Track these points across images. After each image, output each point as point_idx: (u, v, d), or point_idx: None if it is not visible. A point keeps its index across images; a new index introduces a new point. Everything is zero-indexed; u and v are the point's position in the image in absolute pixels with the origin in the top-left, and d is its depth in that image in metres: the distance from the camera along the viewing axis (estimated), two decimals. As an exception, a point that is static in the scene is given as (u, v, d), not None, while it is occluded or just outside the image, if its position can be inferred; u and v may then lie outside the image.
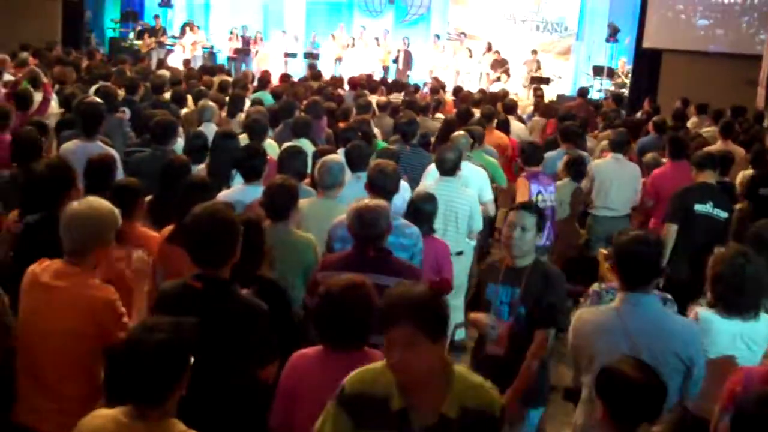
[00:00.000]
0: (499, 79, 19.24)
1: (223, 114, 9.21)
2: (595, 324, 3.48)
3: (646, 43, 17.84)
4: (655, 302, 3.51)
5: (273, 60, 20.51)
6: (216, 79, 12.79)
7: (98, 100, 7.39)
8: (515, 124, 10.67)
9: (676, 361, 3.37)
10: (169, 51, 20.43)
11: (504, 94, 13.74)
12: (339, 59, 20.73)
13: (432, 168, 6.50)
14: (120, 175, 5.71)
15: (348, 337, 3.15)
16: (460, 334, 6.82)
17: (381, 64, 20.45)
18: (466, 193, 6.10)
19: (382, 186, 4.86)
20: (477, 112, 10.12)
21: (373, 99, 11.61)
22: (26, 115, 7.92)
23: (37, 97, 8.92)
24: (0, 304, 3.47)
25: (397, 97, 12.52)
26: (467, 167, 6.81)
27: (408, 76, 19.89)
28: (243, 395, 3.32)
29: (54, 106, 8.81)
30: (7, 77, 10.84)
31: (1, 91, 9.28)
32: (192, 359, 2.69)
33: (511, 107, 11.35)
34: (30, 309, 3.45)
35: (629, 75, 18.75)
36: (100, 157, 5.24)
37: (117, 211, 3.55)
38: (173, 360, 2.63)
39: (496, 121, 9.67)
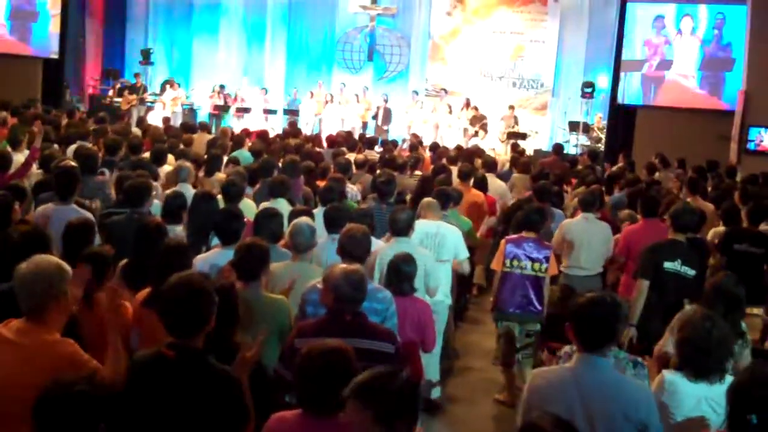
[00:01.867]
0: (476, 134, 19.49)
1: (201, 173, 9.27)
2: (549, 384, 3.50)
3: (621, 99, 18.18)
4: (608, 365, 3.51)
5: (252, 117, 20.68)
6: (196, 137, 12.89)
7: (74, 163, 7.41)
8: (495, 182, 10.77)
9: (628, 425, 3.36)
10: (150, 108, 20.55)
11: (478, 151, 13.90)
12: (318, 115, 20.92)
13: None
14: (96, 238, 5.76)
15: (328, 402, 3.16)
16: (436, 393, 6.85)
17: (360, 120, 20.65)
18: (421, 252, 6.13)
19: (351, 251, 4.91)
20: (454, 170, 10.24)
21: (352, 156, 11.71)
22: (4, 178, 7.92)
23: (17, 157, 8.94)
24: None
25: (374, 154, 12.64)
26: (442, 227, 6.88)
27: (387, 131, 20.12)
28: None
29: (33, 167, 8.82)
30: (-14, 136, 10.86)
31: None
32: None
33: (492, 164, 11.46)
34: None
35: (605, 130, 19.04)
36: (79, 221, 5.26)
37: (63, 264, 3.61)
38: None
39: (473, 179, 9.75)
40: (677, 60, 17.60)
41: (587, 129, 19.40)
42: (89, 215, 6.05)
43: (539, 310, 6.79)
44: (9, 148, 9.41)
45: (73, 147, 9.75)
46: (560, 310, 7.25)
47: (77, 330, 3.83)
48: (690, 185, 9.60)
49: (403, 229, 6.15)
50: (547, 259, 6.83)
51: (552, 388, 3.46)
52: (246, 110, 20.92)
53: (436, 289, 6.28)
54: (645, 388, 3.63)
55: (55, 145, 10.15)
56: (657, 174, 12.24)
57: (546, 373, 3.59)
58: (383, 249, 5.94)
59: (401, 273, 5.26)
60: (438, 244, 6.72)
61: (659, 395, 3.84)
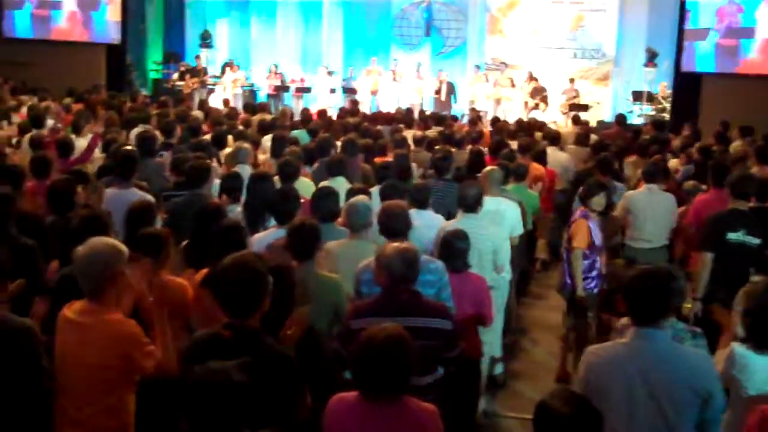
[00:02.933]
0: (537, 106, 19.23)
1: (261, 155, 9.32)
2: (605, 360, 3.44)
3: (685, 67, 17.73)
4: (665, 337, 3.43)
5: (312, 96, 20.75)
6: (255, 118, 12.98)
7: (132, 146, 7.52)
8: (558, 155, 10.62)
9: (690, 394, 3.30)
10: (211, 91, 20.78)
11: (538, 124, 13.71)
12: (374, 93, 20.88)
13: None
14: (157, 220, 5.84)
15: (386, 387, 3.22)
16: (498, 369, 6.81)
17: (419, 97, 20.54)
18: (489, 229, 6.08)
19: (391, 229, 4.90)
20: (514, 144, 10.12)
21: (410, 133, 11.66)
22: (67, 162, 8.10)
23: (80, 143, 9.13)
24: (38, 347, 3.62)
25: (433, 131, 12.56)
26: (502, 203, 6.79)
27: (451, 107, 19.98)
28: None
29: (97, 151, 9.00)
30: (51, 123, 11.11)
31: (47, 138, 9.49)
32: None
33: (554, 137, 11.28)
34: (61, 347, 3.65)
35: (669, 99, 18.60)
36: (141, 204, 5.33)
37: (118, 245, 3.70)
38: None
39: (532, 152, 9.62)
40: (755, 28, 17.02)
41: (651, 98, 18.97)
42: (149, 197, 6.15)
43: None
44: (72, 135, 9.64)
45: (135, 131, 9.90)
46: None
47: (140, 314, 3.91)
48: (759, 154, 9.30)
49: (471, 205, 6.09)
50: None
51: (608, 364, 3.40)
52: (305, 90, 20.99)
53: (504, 266, 6.23)
54: (706, 356, 3.55)
55: (116, 130, 10.31)
56: (736, 142, 11.87)
57: (600, 350, 3.53)
58: (451, 225, 5.89)
59: (454, 249, 5.21)
60: (496, 222, 6.62)
61: (729, 369, 3.75)
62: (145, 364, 3.55)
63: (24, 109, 12.89)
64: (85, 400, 3.58)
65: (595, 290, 6.70)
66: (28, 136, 9.61)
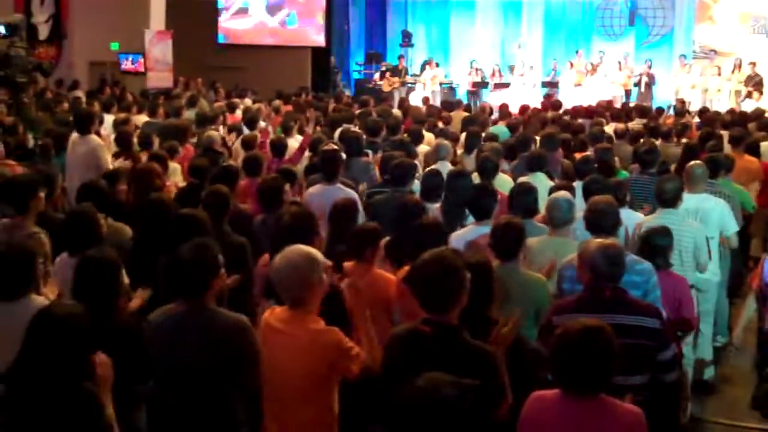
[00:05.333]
0: (750, 95, 18.10)
1: (460, 152, 9.39)
2: None
3: None
4: None
5: (513, 92, 20.61)
6: (454, 115, 13.07)
7: (337, 146, 7.79)
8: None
9: None
10: (411, 89, 21.14)
11: (753, 114, 12.90)
12: (578, 86, 20.44)
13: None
14: (361, 216, 6.03)
15: (586, 382, 3.14)
16: (709, 373, 6.49)
17: (623, 89, 19.92)
18: (690, 224, 5.81)
19: (599, 225, 4.78)
20: (726, 135, 9.60)
21: (611, 126, 11.34)
22: (281, 162, 8.51)
23: (290, 143, 9.57)
24: (252, 344, 3.74)
25: (637, 123, 12.14)
26: (705, 200, 6.46)
27: (653, 98, 19.24)
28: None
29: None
30: (262, 124, 11.73)
31: (259, 138, 10.03)
32: None
33: (768, 127, 10.59)
34: (268, 353, 3.71)
35: None
36: (344, 202, 5.50)
37: (313, 254, 3.68)
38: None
39: (745, 144, 9.09)
40: None
41: None
42: (353, 194, 6.36)
43: None
44: (282, 135, 10.13)
45: (339, 130, 10.25)
46: None
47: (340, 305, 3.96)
48: None
49: (670, 200, 5.88)
50: None
51: None
52: (504, 85, 20.89)
53: (707, 265, 5.94)
54: None
55: (323, 130, 10.71)
56: None
57: None
58: (649, 221, 5.70)
59: (655, 246, 5.02)
60: (699, 220, 6.30)
61: None
62: (352, 368, 3.58)
63: (238, 112, 13.68)
64: (293, 403, 3.65)
65: None
66: (240, 137, 10.21)
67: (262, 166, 7.43)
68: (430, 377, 2.64)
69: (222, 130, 11.48)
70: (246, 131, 10.81)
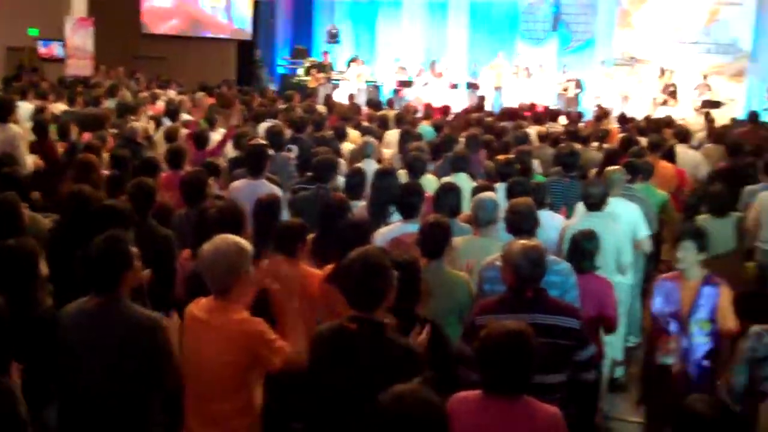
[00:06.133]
0: (665, 103, 18.65)
1: (384, 150, 9.41)
2: None
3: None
4: None
5: (436, 91, 20.76)
6: (379, 114, 13.11)
7: (263, 141, 7.73)
8: (688, 153, 10.25)
9: None
10: (336, 86, 21.11)
11: (668, 121, 13.31)
12: (498, 89, 20.72)
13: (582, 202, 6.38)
14: (284, 213, 6.00)
15: (508, 383, 3.21)
16: (619, 372, 6.67)
17: (547, 93, 20.27)
18: (613, 228, 5.95)
19: (519, 227, 4.85)
20: (643, 141, 9.86)
21: (533, 129, 11.53)
22: (203, 154, 8.41)
23: (214, 136, 9.46)
24: (165, 342, 3.68)
25: (557, 127, 12.38)
26: (619, 204, 6.60)
27: (579, 104, 19.64)
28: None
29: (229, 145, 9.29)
30: (186, 117, 11.56)
31: (182, 131, 9.88)
32: None
33: (684, 135, 10.89)
34: (190, 344, 3.67)
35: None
36: (268, 198, 5.47)
37: (242, 244, 3.66)
38: None
39: (662, 150, 9.35)
40: None
41: (789, 95, 18.10)
42: (278, 190, 6.31)
43: None
44: (207, 127, 10.02)
45: (264, 125, 10.17)
46: (755, 288, 6.86)
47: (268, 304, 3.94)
48: None
49: (596, 204, 6.02)
50: None
51: None
52: (429, 85, 21.03)
53: (628, 267, 6.10)
54: None
55: (248, 124, 10.62)
56: None
57: None
58: (573, 223, 5.81)
59: (582, 250, 5.14)
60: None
61: None
62: (274, 361, 3.57)
63: (159, 103, 13.45)
64: (215, 396, 3.62)
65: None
66: (162, 128, 10.05)
67: (184, 159, 7.33)
68: (394, 392, 2.66)
69: (144, 120, 11.26)
70: (168, 123, 10.63)
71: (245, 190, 6.36)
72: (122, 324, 3.60)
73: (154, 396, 3.73)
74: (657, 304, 5.04)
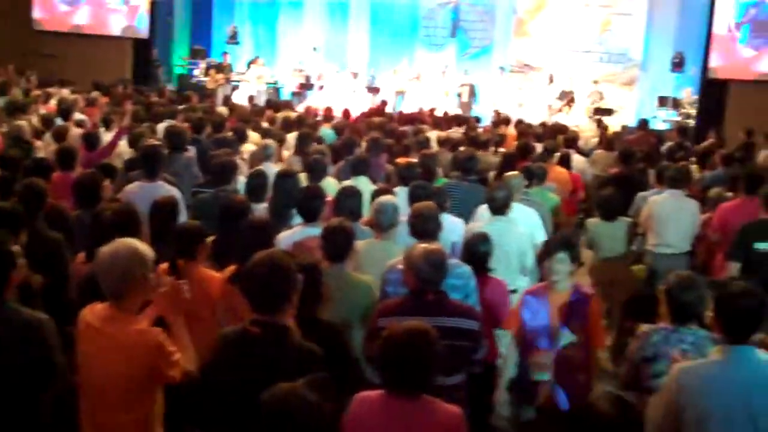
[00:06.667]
0: (561, 110, 19.19)
1: (285, 152, 9.35)
2: (702, 378, 3.42)
3: (712, 74, 17.61)
4: (757, 353, 3.47)
5: (336, 95, 20.77)
6: (280, 115, 13.04)
7: (158, 141, 7.58)
8: (577, 158, 10.59)
9: None
10: (235, 87, 20.87)
11: (561, 128, 13.70)
12: (401, 93, 20.90)
13: (484, 206, 6.48)
14: (184, 215, 5.89)
15: (409, 382, 3.23)
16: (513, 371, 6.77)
17: (444, 98, 20.54)
18: (518, 231, 6.08)
19: (422, 230, 4.89)
20: (539, 147, 10.11)
21: (433, 134, 11.67)
22: (90, 156, 8.16)
23: (108, 137, 9.20)
24: (51, 342, 3.59)
25: (457, 132, 12.57)
26: (517, 208, 6.71)
27: (471, 108, 19.97)
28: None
29: (124, 145, 9.06)
30: (79, 116, 11.21)
31: (74, 131, 9.58)
32: None
33: (573, 140, 11.25)
34: (84, 352, 3.54)
35: (695, 105, 18.49)
36: (164, 200, 5.39)
37: (141, 249, 3.53)
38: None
39: (557, 156, 9.62)
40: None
41: (677, 104, 18.87)
42: (175, 192, 6.19)
43: None
44: (102, 128, 9.74)
45: (162, 125, 9.97)
46: (644, 290, 7.13)
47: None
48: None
49: (500, 208, 6.10)
50: None
51: (705, 385, 3.40)
52: (329, 88, 21.01)
53: (533, 270, 6.21)
54: None
55: (145, 124, 10.39)
56: (765, 152, 11.71)
57: (695, 368, 3.51)
58: (479, 227, 5.89)
59: (477, 252, 5.20)
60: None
61: None
62: (171, 374, 3.44)
63: (53, 101, 13.00)
64: (110, 407, 3.49)
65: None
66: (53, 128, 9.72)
67: (75, 159, 7.12)
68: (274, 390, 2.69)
69: (35, 119, 10.86)
70: (60, 122, 10.30)
71: (141, 192, 6.21)
72: (7, 324, 3.51)
73: (43, 399, 3.63)
74: (526, 318, 4.78)
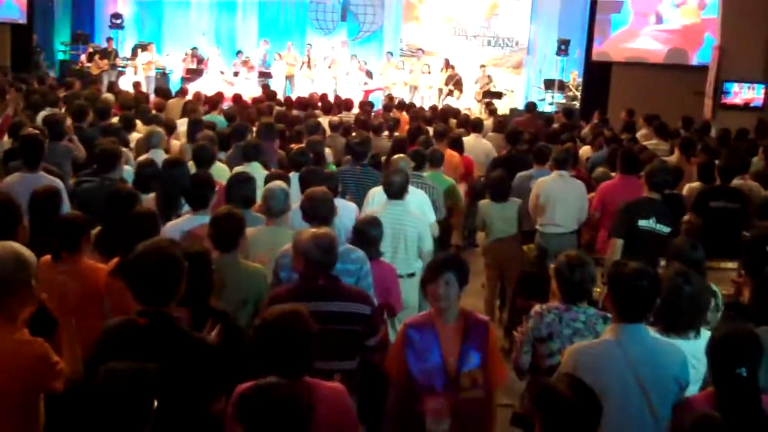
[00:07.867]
0: (451, 93, 19.41)
1: (174, 140, 9.13)
2: (597, 357, 3.50)
3: (595, 56, 18.13)
4: (647, 331, 3.58)
5: (226, 81, 20.41)
6: (172, 102, 12.74)
7: (38, 130, 7.29)
8: (480, 142, 10.66)
9: (674, 384, 3.48)
10: (121, 73, 20.27)
11: (452, 111, 13.84)
12: (289, 78, 20.73)
13: (378, 189, 6.48)
14: (67, 205, 5.68)
15: (286, 365, 3.11)
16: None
17: (334, 82, 20.47)
18: (415, 215, 6.11)
19: (314, 215, 4.85)
20: (430, 130, 10.17)
21: (326, 119, 11.61)
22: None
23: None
24: None
25: (349, 116, 12.55)
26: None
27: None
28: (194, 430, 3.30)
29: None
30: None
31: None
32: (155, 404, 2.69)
33: (476, 125, 11.28)
34: None
35: (580, 88, 19.02)
36: (44, 190, 5.18)
37: (22, 253, 3.35)
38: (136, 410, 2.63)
39: (447, 139, 9.70)
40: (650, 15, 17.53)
41: (562, 87, 19.37)
42: (57, 182, 5.97)
43: None
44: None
45: (42, 114, 9.60)
46: (535, 269, 7.29)
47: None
48: (683, 147, 9.58)
49: (397, 192, 6.10)
50: None
51: (602, 363, 3.47)
52: (219, 74, 20.64)
53: (430, 254, 6.24)
54: (680, 349, 3.64)
55: (25, 113, 9.99)
56: (643, 131, 12.12)
57: (590, 348, 3.59)
58: (377, 212, 5.88)
59: (367, 236, 5.19)
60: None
61: None
62: (55, 385, 3.28)
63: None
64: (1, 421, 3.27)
65: None
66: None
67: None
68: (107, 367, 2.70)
69: None
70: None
71: (21, 183, 5.97)
72: None
73: None
74: (410, 360, 3.87)
